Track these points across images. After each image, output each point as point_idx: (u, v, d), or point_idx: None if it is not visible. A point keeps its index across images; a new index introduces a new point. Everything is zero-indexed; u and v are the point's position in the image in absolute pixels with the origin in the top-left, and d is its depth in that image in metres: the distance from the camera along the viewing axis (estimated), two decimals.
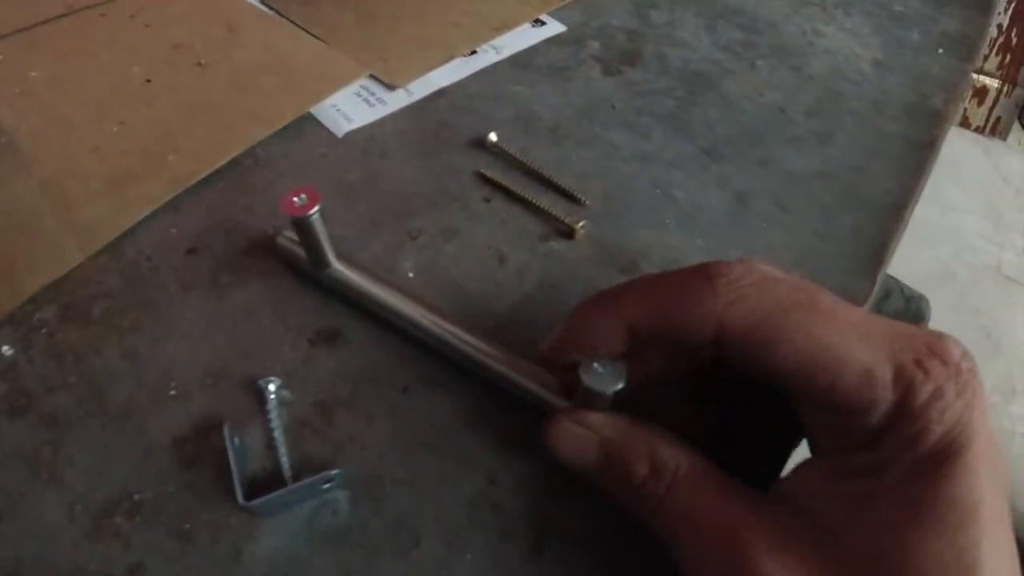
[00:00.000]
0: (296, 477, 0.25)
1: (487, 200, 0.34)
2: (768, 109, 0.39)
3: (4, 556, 0.24)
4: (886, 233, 0.34)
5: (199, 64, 0.40)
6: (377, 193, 0.34)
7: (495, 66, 0.40)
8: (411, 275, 0.31)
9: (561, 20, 0.43)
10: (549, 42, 0.42)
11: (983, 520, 0.18)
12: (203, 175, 0.34)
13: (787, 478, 0.22)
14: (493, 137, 0.35)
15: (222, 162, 0.35)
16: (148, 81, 0.39)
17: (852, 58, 0.43)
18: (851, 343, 0.19)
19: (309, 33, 0.42)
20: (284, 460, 0.25)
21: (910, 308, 0.57)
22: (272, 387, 0.26)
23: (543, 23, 0.43)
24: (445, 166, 0.35)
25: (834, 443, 0.20)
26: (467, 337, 0.27)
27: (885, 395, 0.19)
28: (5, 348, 0.30)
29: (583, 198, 0.33)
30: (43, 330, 0.30)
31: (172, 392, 0.28)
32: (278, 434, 0.26)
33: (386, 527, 0.24)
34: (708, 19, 0.45)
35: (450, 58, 0.40)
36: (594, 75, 0.40)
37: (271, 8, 0.44)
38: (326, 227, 0.28)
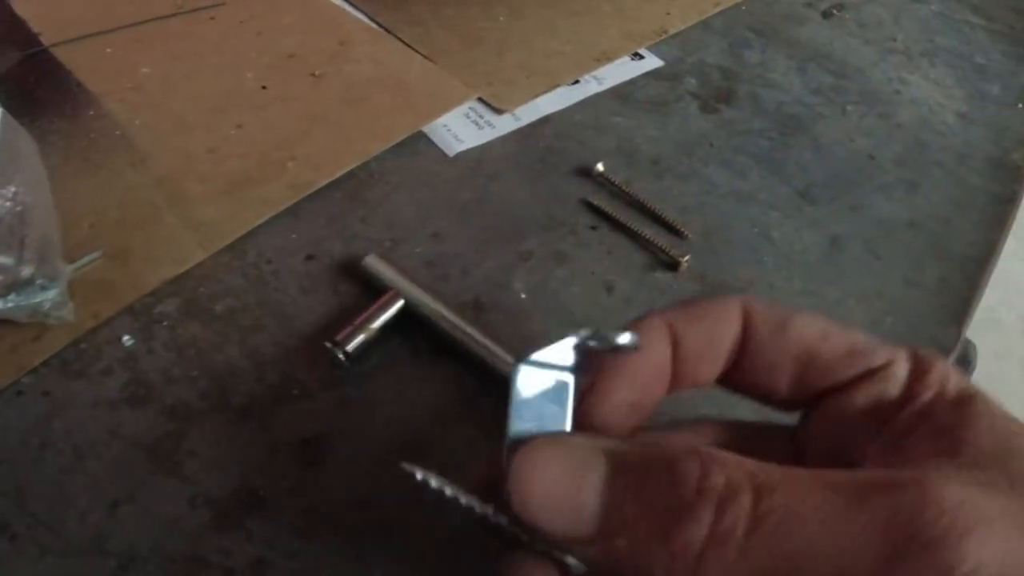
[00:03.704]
0: None
1: (593, 228, 0.35)
2: (858, 155, 0.40)
3: (130, 540, 0.26)
4: (971, 286, 0.35)
5: (313, 75, 0.41)
6: (488, 213, 0.35)
7: (597, 96, 0.41)
8: (523, 296, 0.32)
9: (658, 55, 0.44)
10: (648, 75, 0.43)
11: None
12: (321, 184, 0.35)
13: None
14: (600, 167, 0.36)
15: (340, 173, 0.36)
16: (264, 88, 0.41)
17: (937, 109, 0.44)
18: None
19: (418, 52, 0.43)
20: None
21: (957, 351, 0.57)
22: None
23: (641, 56, 0.44)
24: (552, 191, 0.36)
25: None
26: None
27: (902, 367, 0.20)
28: (125, 338, 0.31)
29: (686, 232, 0.34)
30: (164, 323, 0.32)
31: (295, 392, 0.29)
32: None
33: None
34: (799, 62, 0.46)
35: (555, 86, 0.41)
36: (691, 111, 0.41)
37: (380, 25, 0.45)
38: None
